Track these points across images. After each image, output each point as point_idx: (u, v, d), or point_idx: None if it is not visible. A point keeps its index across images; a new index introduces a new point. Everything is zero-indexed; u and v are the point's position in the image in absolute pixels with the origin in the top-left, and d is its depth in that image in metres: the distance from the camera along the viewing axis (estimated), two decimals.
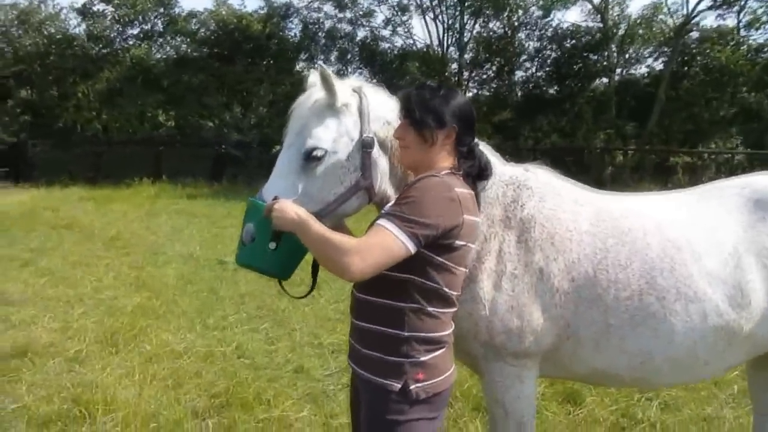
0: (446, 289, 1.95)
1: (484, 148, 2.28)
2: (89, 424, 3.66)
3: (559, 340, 2.29)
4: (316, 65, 25.44)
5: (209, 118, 23.43)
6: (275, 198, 1.98)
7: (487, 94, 26.85)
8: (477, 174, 2.09)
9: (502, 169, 2.39)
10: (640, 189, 17.58)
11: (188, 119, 23.32)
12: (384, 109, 2.20)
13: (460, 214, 1.90)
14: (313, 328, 5.54)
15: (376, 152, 2.14)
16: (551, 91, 25.85)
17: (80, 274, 7.46)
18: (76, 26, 24.55)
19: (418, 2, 25.84)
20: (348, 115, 2.13)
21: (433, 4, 25.66)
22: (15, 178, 19.78)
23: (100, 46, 23.78)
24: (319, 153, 2.06)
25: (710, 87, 22.86)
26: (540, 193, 2.35)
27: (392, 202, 1.99)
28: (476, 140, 2.14)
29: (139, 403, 3.82)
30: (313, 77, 2.21)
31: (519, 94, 26.46)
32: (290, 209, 1.89)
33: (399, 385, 1.89)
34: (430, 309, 1.93)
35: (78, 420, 3.70)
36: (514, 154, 20.26)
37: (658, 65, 25.29)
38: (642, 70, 26.35)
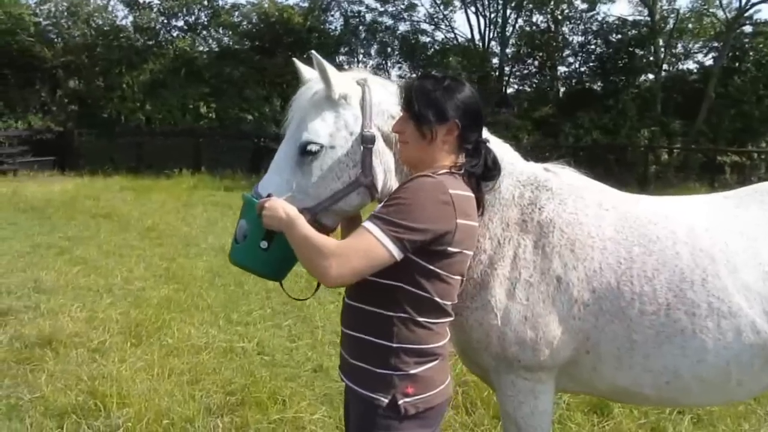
0: (438, 299, 1.81)
1: (498, 145, 2.13)
2: (104, 417, 3.65)
3: (577, 354, 2.13)
4: (355, 59, 25.46)
5: (249, 111, 23.59)
6: (269, 195, 1.89)
7: (528, 89, 26.41)
8: (482, 174, 1.93)
9: (520, 167, 2.23)
10: (685, 189, 17.05)
11: (228, 111, 23.53)
12: (389, 102, 2.06)
13: (453, 218, 1.76)
14: (336, 326, 5.40)
15: (380, 148, 2.02)
16: (595, 86, 25.25)
17: (113, 264, 7.54)
18: (123, 18, 25.10)
19: None
20: (348, 108, 2.01)
21: None
22: (61, 166, 20.28)
23: (146, 37, 24.22)
24: (314, 147, 1.96)
25: (762, 83, 21.99)
26: (561, 195, 2.19)
27: (381, 203, 1.85)
28: (484, 137, 1.99)
29: (153, 397, 3.79)
30: (304, 68, 2.12)
31: (561, 89, 25.94)
32: (280, 207, 1.79)
33: (387, 400, 1.77)
34: (421, 319, 1.80)
35: (93, 413, 3.69)
36: (554, 151, 19.89)
37: (708, 60, 24.51)
38: (690, 65, 25.54)
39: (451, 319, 1.91)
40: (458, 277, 1.87)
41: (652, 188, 18.34)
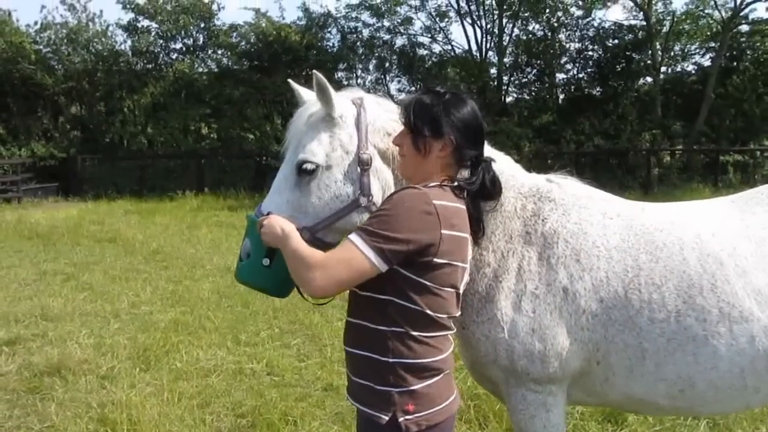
0: (429, 312, 1.79)
1: (498, 158, 2.13)
2: None
3: (588, 365, 2.11)
4: (356, 75, 25.57)
5: (250, 130, 23.68)
6: (269, 213, 1.94)
7: (527, 97, 26.44)
8: (479, 192, 1.93)
9: (521, 179, 2.23)
10: (689, 190, 17.01)
11: (230, 131, 23.62)
12: (384, 119, 2.09)
13: (437, 229, 1.75)
14: None
15: (378, 165, 2.05)
16: (594, 92, 25.29)
17: (119, 288, 7.54)
18: (122, 43, 25.23)
19: (457, 8, 25.67)
20: (343, 127, 2.04)
21: (471, 8, 25.45)
22: (65, 192, 20.37)
23: (145, 61, 24.40)
24: (309, 167, 2.00)
25: (761, 81, 22.00)
26: (564, 205, 2.18)
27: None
28: (485, 156, 1.98)
29: (164, 423, 3.77)
30: (302, 90, 2.14)
31: (560, 96, 25.98)
32: (276, 224, 1.83)
33: (387, 417, 1.76)
34: (415, 333, 1.79)
35: None
36: (557, 158, 19.90)
37: (706, 61, 24.51)
38: (689, 67, 25.54)
39: (450, 332, 1.90)
40: (449, 290, 1.84)
41: (655, 191, 18.32)
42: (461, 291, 1.92)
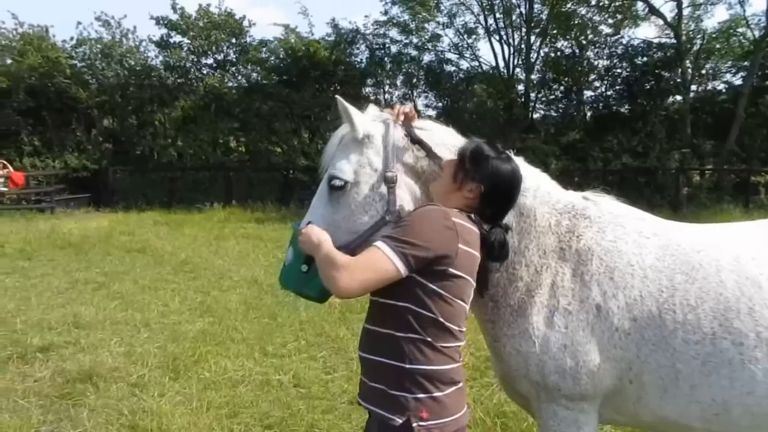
0: (443, 320, 1.88)
1: (534, 175, 2.24)
2: None
3: (620, 384, 2.10)
4: (381, 90, 25.76)
5: (278, 144, 23.93)
6: (309, 223, 2.07)
7: (555, 114, 26.30)
8: (487, 249, 2.03)
9: (556, 196, 2.25)
10: (719, 211, 16.70)
11: (258, 145, 23.90)
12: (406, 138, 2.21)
13: (456, 243, 1.87)
14: None
15: (405, 181, 2.15)
16: (622, 110, 25.06)
17: (148, 298, 7.66)
18: (154, 58, 25.74)
19: (485, 25, 25.74)
20: (370, 146, 2.15)
21: (500, 26, 25.49)
22: (97, 203, 20.76)
23: (176, 76, 24.82)
24: (338, 183, 2.12)
25: None
26: (599, 223, 2.19)
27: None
28: (504, 222, 2.10)
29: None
30: (349, 106, 2.22)
31: (588, 114, 25.80)
32: (313, 233, 1.95)
33: (401, 421, 1.83)
34: (429, 340, 1.87)
35: None
36: (583, 176, 19.72)
37: (737, 80, 24.12)
38: (719, 85, 25.19)
39: (461, 344, 1.96)
40: (460, 302, 1.94)
41: (684, 211, 18.05)
42: (468, 307, 2.00)
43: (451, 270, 1.87)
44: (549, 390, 2.11)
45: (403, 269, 1.82)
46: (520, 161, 2.19)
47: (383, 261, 1.81)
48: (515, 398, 2.35)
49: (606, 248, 2.13)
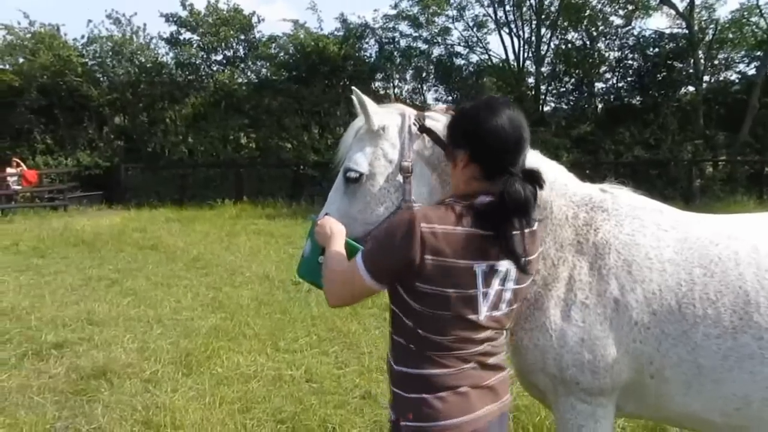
0: (420, 331, 1.75)
1: (551, 167, 2.15)
2: None
3: (640, 378, 2.07)
4: (390, 84, 25.69)
5: (288, 140, 23.96)
6: (326, 215, 2.09)
7: (565, 107, 26.12)
8: (497, 209, 1.69)
9: (573, 188, 2.21)
10: (733, 202, 16.55)
11: (268, 141, 23.94)
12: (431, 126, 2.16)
13: (416, 253, 1.65)
14: (383, 352, 5.41)
15: (421, 172, 2.12)
16: (634, 101, 24.85)
17: (161, 294, 7.69)
18: (164, 55, 25.87)
19: (495, 18, 25.60)
20: (386, 138, 2.15)
21: (509, 19, 25.34)
22: (109, 200, 20.90)
23: (187, 73, 24.92)
24: (353, 175, 2.12)
25: None
26: (617, 216, 2.15)
27: None
28: (515, 168, 1.74)
29: (206, 427, 3.82)
30: (366, 99, 2.21)
31: (599, 106, 25.61)
32: (327, 225, 1.96)
33: (394, 417, 1.84)
34: (412, 347, 1.79)
35: None
36: (595, 169, 19.57)
37: (750, 70, 23.81)
38: (732, 76, 24.90)
39: (462, 352, 1.76)
40: (445, 313, 1.72)
41: (697, 203, 17.89)
42: (481, 318, 1.75)
43: (419, 284, 1.69)
44: (567, 384, 2.08)
45: (373, 284, 1.74)
46: (536, 154, 2.15)
47: (357, 279, 1.76)
48: (531, 391, 2.32)
49: (624, 241, 2.09)
